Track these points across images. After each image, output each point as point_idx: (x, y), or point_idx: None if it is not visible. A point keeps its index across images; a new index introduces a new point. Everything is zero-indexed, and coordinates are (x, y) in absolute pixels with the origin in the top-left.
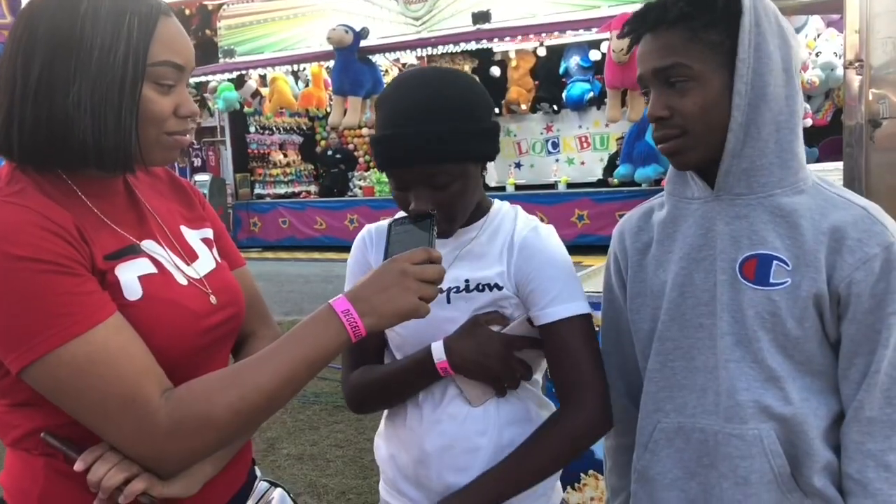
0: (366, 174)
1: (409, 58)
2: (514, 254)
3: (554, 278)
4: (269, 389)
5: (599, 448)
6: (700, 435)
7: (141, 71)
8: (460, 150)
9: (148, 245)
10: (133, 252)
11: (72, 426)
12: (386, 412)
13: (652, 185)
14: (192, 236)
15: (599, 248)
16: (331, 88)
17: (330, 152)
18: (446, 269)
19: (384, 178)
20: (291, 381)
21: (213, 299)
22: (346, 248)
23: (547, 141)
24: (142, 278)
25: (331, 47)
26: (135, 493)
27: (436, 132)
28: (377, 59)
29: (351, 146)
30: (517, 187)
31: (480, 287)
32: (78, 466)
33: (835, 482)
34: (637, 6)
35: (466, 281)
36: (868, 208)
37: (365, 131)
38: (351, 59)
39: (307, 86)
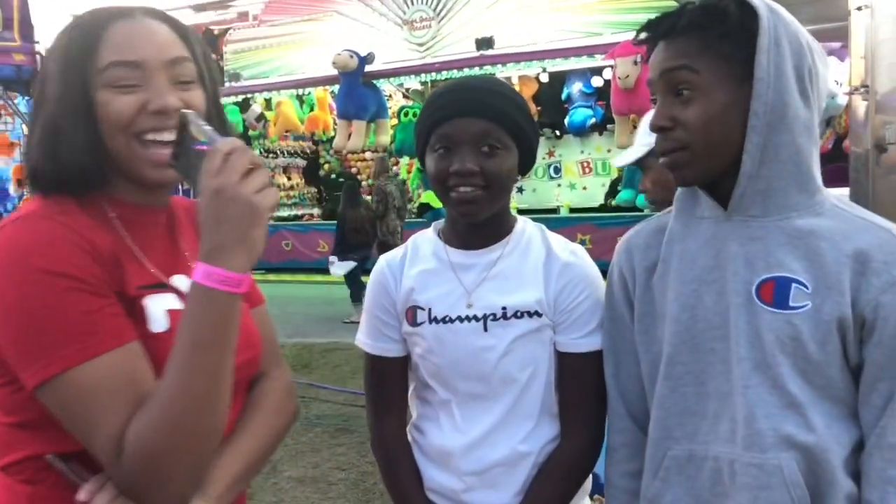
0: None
1: (412, 83)
2: (554, 277)
3: (595, 309)
4: (177, 396)
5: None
6: (713, 463)
7: (81, 80)
8: (516, 122)
9: (178, 280)
10: (162, 287)
11: (75, 455)
12: (417, 420)
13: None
14: None
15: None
16: (335, 112)
17: (333, 176)
18: (473, 289)
19: None
20: (195, 374)
21: None
22: None
23: (549, 166)
24: (169, 312)
25: (336, 72)
26: None
27: (500, 92)
28: (381, 84)
29: (354, 169)
30: (519, 212)
31: (519, 314)
32: (80, 496)
33: None
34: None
35: (504, 308)
36: (892, 230)
37: (368, 155)
38: (356, 84)
39: (312, 109)
